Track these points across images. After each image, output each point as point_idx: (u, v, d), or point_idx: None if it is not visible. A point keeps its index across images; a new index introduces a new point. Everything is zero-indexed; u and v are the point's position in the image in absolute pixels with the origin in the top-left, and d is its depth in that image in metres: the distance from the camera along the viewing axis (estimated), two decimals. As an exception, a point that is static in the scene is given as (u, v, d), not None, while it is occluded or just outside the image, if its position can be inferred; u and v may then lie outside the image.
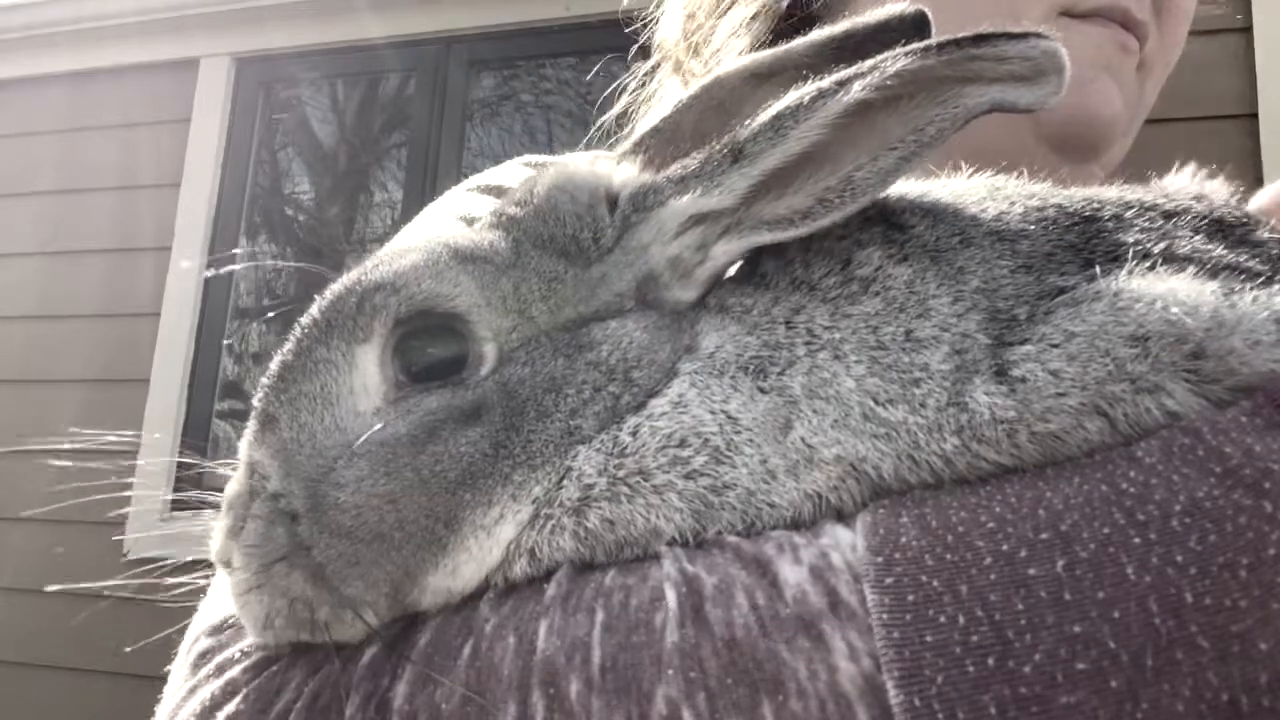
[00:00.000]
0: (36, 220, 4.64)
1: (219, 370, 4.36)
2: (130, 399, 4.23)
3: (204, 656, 0.56)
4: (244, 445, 0.58)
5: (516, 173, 0.96)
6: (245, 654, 0.55)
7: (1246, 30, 3.07)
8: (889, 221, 0.59)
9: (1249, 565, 0.41)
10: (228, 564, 0.56)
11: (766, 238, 0.59)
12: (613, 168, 0.64)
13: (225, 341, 4.37)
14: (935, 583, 0.44)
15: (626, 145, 0.68)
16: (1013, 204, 0.59)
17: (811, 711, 0.42)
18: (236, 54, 4.58)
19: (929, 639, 0.42)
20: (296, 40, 4.50)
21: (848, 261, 0.57)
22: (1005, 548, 0.44)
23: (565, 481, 0.54)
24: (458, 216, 0.85)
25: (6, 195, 4.73)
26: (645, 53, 1.12)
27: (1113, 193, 0.60)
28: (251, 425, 0.58)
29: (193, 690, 0.55)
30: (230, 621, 0.58)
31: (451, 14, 4.29)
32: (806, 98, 0.56)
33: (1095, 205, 0.58)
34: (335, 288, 0.59)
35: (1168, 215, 0.57)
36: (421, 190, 4.16)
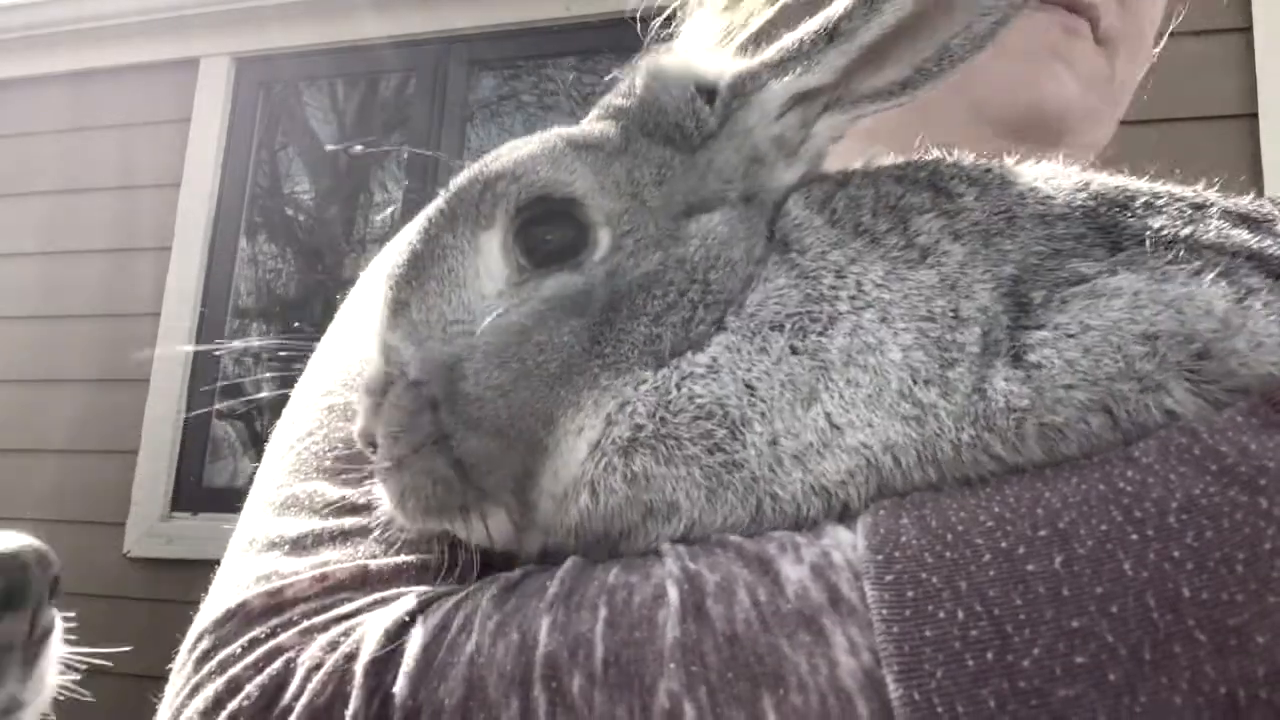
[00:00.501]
0: (36, 220, 4.64)
1: (219, 371, 4.35)
2: (130, 399, 4.23)
3: (207, 654, 0.56)
4: (378, 331, 0.60)
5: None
6: (248, 650, 0.55)
7: (1246, 30, 3.07)
8: (936, 187, 0.59)
9: (1245, 560, 0.41)
10: (371, 443, 0.58)
11: (868, 109, 0.61)
12: (705, 60, 0.66)
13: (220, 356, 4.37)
14: (934, 579, 0.44)
15: (737, 47, 0.69)
16: (1057, 186, 0.59)
17: (812, 705, 0.43)
18: (236, 54, 4.58)
19: (928, 634, 0.42)
20: (296, 40, 4.50)
21: (907, 224, 0.57)
22: (1004, 545, 0.45)
23: (619, 415, 0.55)
24: None
25: (6, 195, 4.73)
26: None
27: (1144, 182, 0.60)
28: (383, 312, 0.60)
29: (196, 688, 0.55)
30: (232, 617, 0.58)
31: (451, 14, 4.29)
32: None
33: (1128, 192, 0.58)
34: (459, 179, 0.62)
35: (1195, 205, 0.57)
36: (421, 190, 4.16)
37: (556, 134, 0.62)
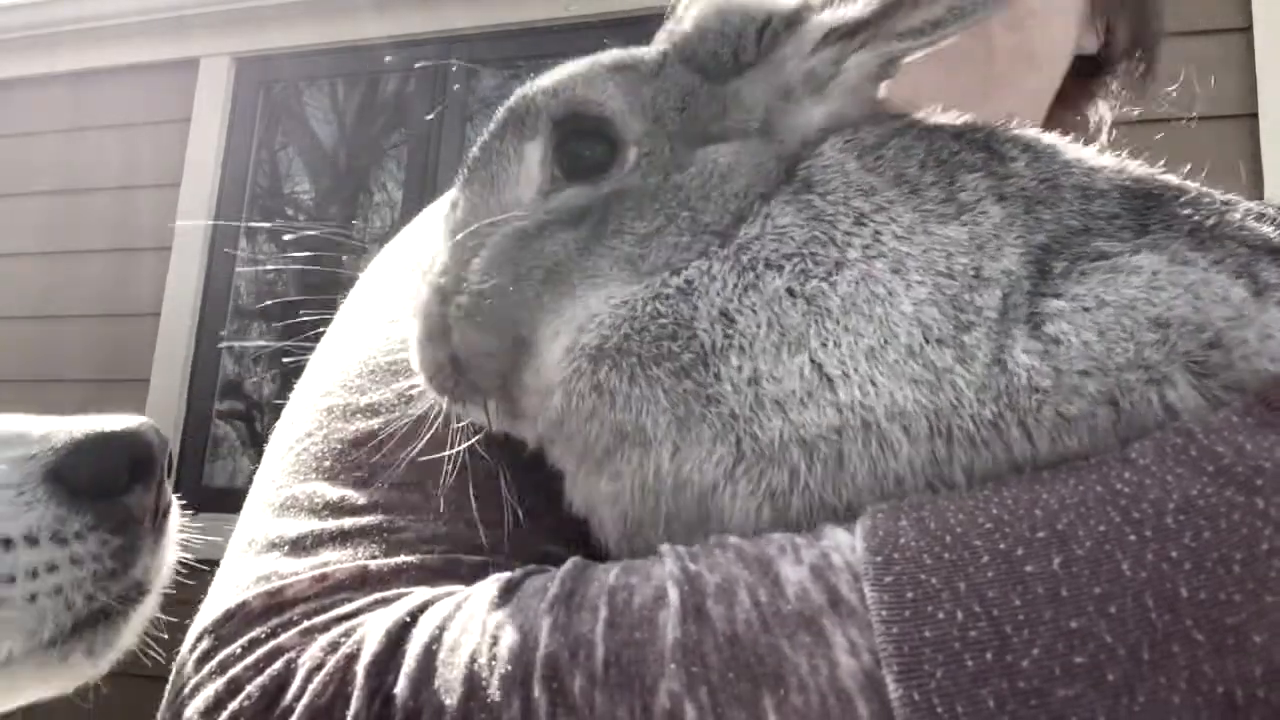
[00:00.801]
0: (36, 220, 4.64)
1: (219, 370, 4.35)
2: (130, 399, 4.23)
3: (207, 654, 0.56)
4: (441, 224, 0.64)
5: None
6: (248, 650, 0.55)
7: (1246, 30, 3.07)
8: (991, 148, 0.60)
9: (1242, 560, 0.41)
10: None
11: (898, 48, 0.61)
12: None
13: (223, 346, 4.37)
14: (934, 580, 0.44)
15: None
16: (1100, 162, 0.60)
17: (812, 705, 0.43)
18: (236, 54, 4.58)
19: (928, 634, 0.42)
20: (296, 40, 4.50)
21: (954, 179, 0.57)
22: (1003, 546, 0.45)
23: (589, 324, 0.57)
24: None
25: (6, 195, 4.72)
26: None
27: (1175, 178, 0.61)
28: (445, 209, 0.64)
29: (196, 688, 0.55)
30: (232, 618, 0.58)
31: (451, 14, 4.29)
32: None
33: (1161, 182, 0.59)
34: (516, 93, 0.65)
35: (1223, 201, 0.58)
36: (421, 190, 4.16)
37: (603, 55, 0.65)
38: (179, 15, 4.52)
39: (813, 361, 0.52)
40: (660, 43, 0.66)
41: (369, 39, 4.36)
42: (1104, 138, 1.05)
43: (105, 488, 0.66)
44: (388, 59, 4.15)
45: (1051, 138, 0.62)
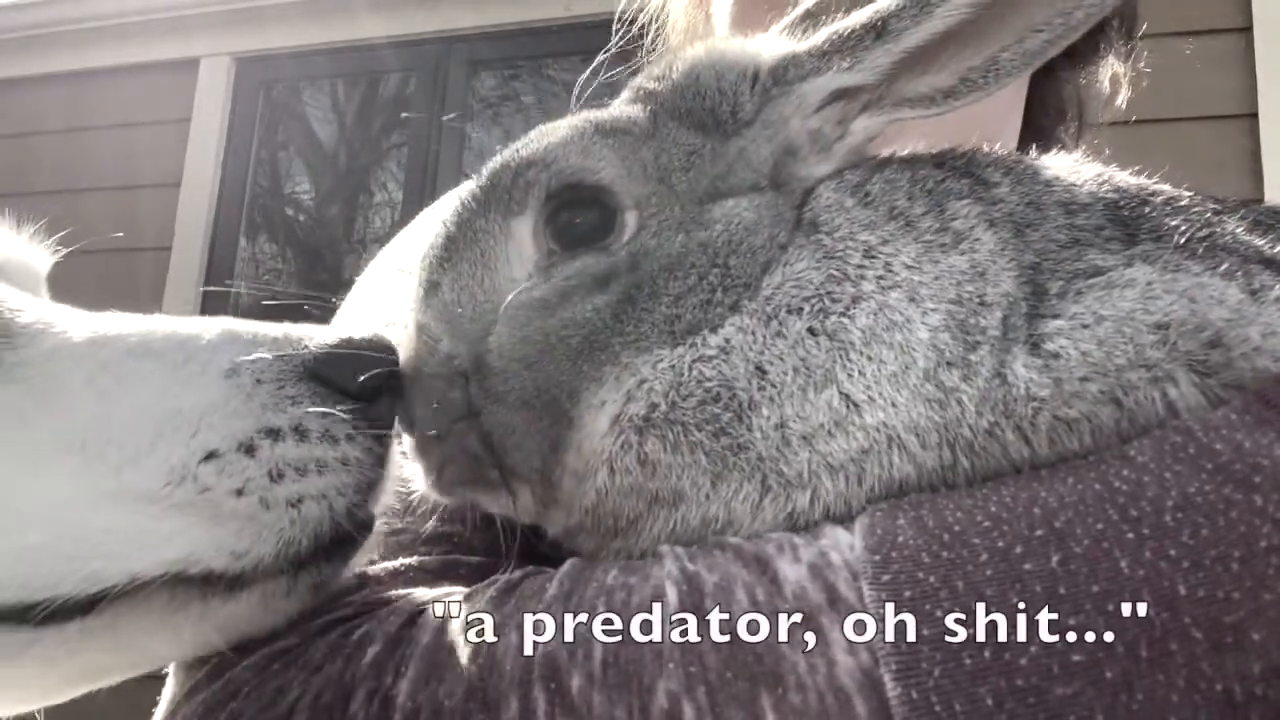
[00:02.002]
0: (36, 220, 4.63)
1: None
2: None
3: (205, 656, 0.56)
4: (412, 311, 0.61)
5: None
6: (245, 652, 0.55)
7: (1246, 30, 3.07)
8: (974, 175, 0.59)
9: (1241, 558, 0.41)
10: (407, 421, 0.59)
11: (908, 114, 0.60)
12: (765, 46, 0.65)
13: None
14: (932, 579, 0.44)
15: (782, 27, 0.68)
16: (1081, 177, 0.60)
17: (810, 704, 0.43)
18: (236, 54, 4.58)
19: (925, 633, 0.42)
20: (296, 40, 4.50)
21: (943, 208, 0.57)
22: (1001, 545, 0.45)
23: (638, 392, 0.56)
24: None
25: (6, 195, 4.72)
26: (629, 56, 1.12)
27: (1168, 186, 0.61)
28: (416, 293, 0.61)
29: (194, 689, 0.55)
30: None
31: (451, 14, 4.29)
32: None
33: (1150, 191, 0.59)
34: (492, 164, 0.63)
35: (1215, 211, 0.58)
36: (421, 190, 4.16)
37: (585, 119, 0.62)
38: (179, 15, 4.52)
39: (841, 393, 0.53)
40: (636, 101, 0.64)
41: (369, 39, 4.37)
42: (1124, 94, 1.05)
43: (367, 393, 0.57)
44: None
45: (1032, 158, 0.62)
